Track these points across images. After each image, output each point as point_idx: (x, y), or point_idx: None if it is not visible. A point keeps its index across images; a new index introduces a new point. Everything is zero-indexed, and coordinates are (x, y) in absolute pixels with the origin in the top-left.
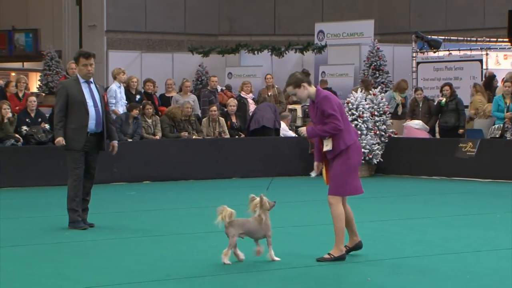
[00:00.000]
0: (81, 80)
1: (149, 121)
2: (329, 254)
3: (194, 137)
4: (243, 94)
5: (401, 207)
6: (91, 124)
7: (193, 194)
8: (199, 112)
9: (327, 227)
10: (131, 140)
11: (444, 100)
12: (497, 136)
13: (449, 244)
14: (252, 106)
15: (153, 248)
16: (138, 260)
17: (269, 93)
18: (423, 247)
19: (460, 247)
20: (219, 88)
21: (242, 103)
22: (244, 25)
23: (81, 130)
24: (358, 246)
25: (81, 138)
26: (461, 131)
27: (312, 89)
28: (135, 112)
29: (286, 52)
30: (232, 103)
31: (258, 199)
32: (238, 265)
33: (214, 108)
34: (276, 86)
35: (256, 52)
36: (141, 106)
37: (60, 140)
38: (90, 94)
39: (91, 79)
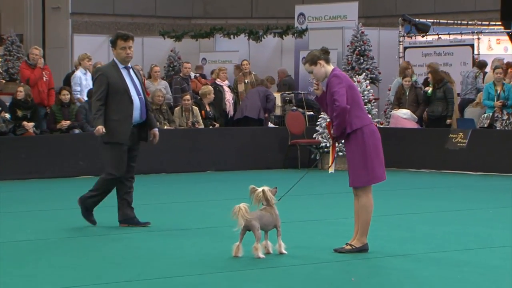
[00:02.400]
0: (120, 66)
1: None
2: (350, 245)
3: (165, 127)
4: (218, 81)
5: (387, 202)
6: (136, 114)
7: (164, 189)
8: (171, 100)
9: (311, 223)
10: None
11: (430, 89)
12: (485, 125)
13: (438, 242)
14: (228, 94)
15: (120, 247)
16: (105, 259)
17: (246, 80)
18: (410, 245)
19: (450, 245)
20: (192, 74)
21: (217, 91)
22: (219, 7)
23: (126, 121)
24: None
25: (126, 130)
26: (448, 121)
27: (329, 68)
28: None
29: (264, 36)
30: (209, 90)
31: (259, 190)
32: (235, 261)
33: (187, 96)
34: (253, 73)
35: (232, 36)
36: None
37: (100, 129)
38: (131, 81)
39: (129, 64)
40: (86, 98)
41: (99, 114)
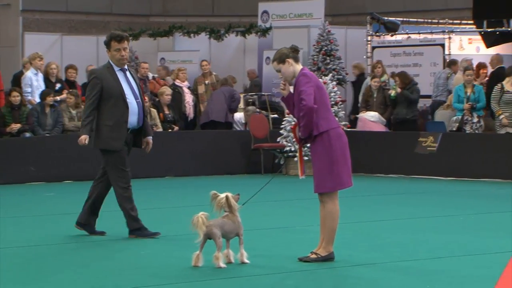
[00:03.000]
0: (116, 68)
1: (73, 112)
2: (315, 253)
3: None
4: (177, 82)
5: (354, 209)
6: (132, 119)
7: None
8: None
9: (275, 230)
10: (49, 134)
11: (393, 93)
12: (454, 129)
13: (406, 250)
14: (188, 96)
15: (71, 257)
16: (57, 270)
17: (206, 82)
18: (377, 253)
19: (419, 253)
20: (150, 75)
21: (176, 92)
22: (178, 4)
23: (120, 127)
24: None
25: (121, 136)
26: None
27: (298, 67)
28: (49, 99)
29: (226, 35)
30: (167, 92)
31: (222, 197)
32: (195, 271)
33: (145, 99)
34: (214, 73)
35: (192, 35)
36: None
37: (83, 139)
38: (127, 84)
39: (126, 66)
40: (38, 100)
41: (87, 121)
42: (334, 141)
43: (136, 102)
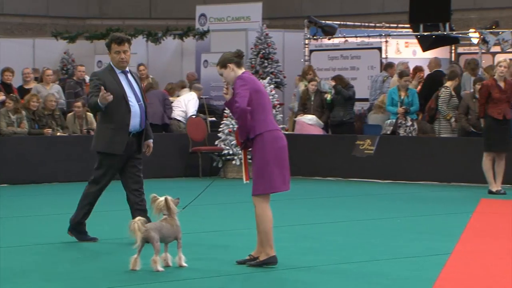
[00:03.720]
0: (117, 71)
1: (13, 117)
2: (252, 256)
3: (58, 134)
4: None
5: (292, 212)
6: (134, 122)
7: (58, 199)
8: (64, 105)
9: (213, 234)
10: None
11: (329, 97)
12: (388, 132)
13: (344, 253)
14: None
15: (4, 261)
16: None
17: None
18: (316, 256)
19: (357, 255)
20: (86, 78)
21: None
22: (115, 7)
23: (122, 130)
24: (267, 261)
25: (122, 140)
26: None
27: (239, 72)
28: None
29: (164, 38)
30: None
31: (161, 199)
32: (135, 274)
33: (78, 104)
34: (151, 76)
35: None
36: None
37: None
38: (129, 87)
39: (127, 69)
40: None
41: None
42: (268, 143)
43: (138, 104)
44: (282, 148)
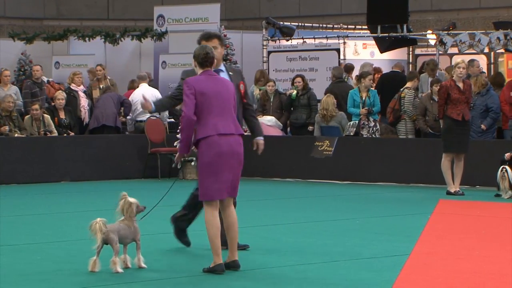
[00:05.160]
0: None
1: None
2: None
3: (16, 135)
4: (73, 86)
5: (251, 213)
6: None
7: (15, 201)
8: (21, 106)
9: (171, 235)
10: None
11: (294, 92)
12: (352, 134)
13: (304, 254)
14: (83, 100)
15: None
16: None
17: (101, 86)
18: (274, 257)
19: (316, 256)
20: (45, 79)
21: (72, 97)
22: (73, 8)
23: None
24: (230, 266)
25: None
26: (310, 128)
27: (199, 71)
28: None
29: (122, 39)
30: (60, 96)
31: (129, 200)
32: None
33: (36, 106)
34: (109, 77)
35: (87, 39)
36: None
37: (146, 104)
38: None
39: (221, 67)
40: None
41: (157, 101)
42: (204, 150)
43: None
44: (220, 154)
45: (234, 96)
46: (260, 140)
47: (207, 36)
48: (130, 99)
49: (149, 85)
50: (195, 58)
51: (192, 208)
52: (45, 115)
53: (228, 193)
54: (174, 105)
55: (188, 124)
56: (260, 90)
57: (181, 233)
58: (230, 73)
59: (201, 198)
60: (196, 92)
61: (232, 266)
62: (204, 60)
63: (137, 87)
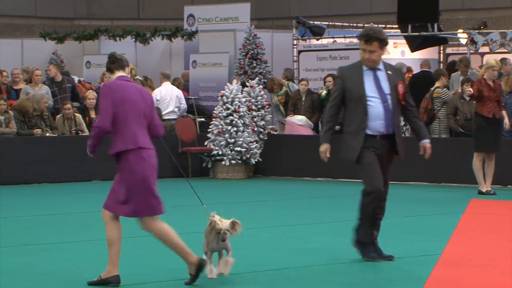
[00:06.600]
0: (364, 68)
1: (1, 117)
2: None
3: (47, 134)
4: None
5: (283, 212)
6: (376, 125)
7: (47, 200)
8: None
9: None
10: None
11: (324, 92)
12: None
13: (336, 253)
14: None
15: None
16: None
17: None
18: (307, 256)
19: (347, 256)
20: (76, 79)
21: None
22: (103, 7)
23: (358, 134)
24: (196, 268)
25: (355, 145)
26: (337, 127)
27: (113, 77)
28: None
29: (152, 38)
30: (91, 95)
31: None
32: None
33: (68, 105)
34: (137, 77)
35: (118, 38)
36: None
37: (322, 150)
38: (374, 85)
39: (380, 65)
40: None
41: (326, 128)
42: (123, 167)
43: (383, 106)
44: (130, 170)
45: (145, 106)
46: (427, 143)
47: (366, 39)
48: (153, 97)
49: (185, 86)
50: (106, 70)
51: (364, 217)
52: (76, 114)
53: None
54: (334, 114)
55: (99, 134)
56: (278, 96)
57: (364, 248)
58: (388, 72)
59: (105, 207)
60: (116, 99)
61: (197, 268)
62: (114, 65)
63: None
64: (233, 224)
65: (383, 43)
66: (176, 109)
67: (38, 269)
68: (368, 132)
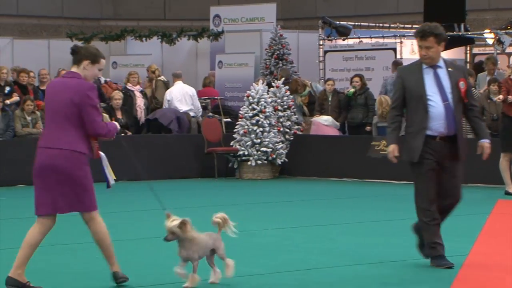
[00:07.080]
0: (423, 66)
1: (28, 118)
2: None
3: None
4: (129, 86)
5: (308, 213)
6: (437, 125)
7: None
8: None
9: None
10: (0, 138)
11: (352, 90)
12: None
13: (362, 254)
14: (139, 100)
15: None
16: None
17: (153, 86)
18: (332, 257)
19: (374, 257)
20: (102, 79)
21: (128, 96)
22: (129, 8)
23: (419, 134)
24: (114, 277)
25: (417, 146)
26: (368, 128)
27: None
28: None
29: (178, 39)
30: (117, 96)
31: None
32: None
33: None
34: (161, 78)
35: (144, 39)
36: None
37: (392, 151)
38: (435, 84)
39: (440, 63)
40: None
41: (391, 128)
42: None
43: (444, 104)
44: (37, 169)
45: (70, 104)
46: (486, 143)
47: (421, 34)
48: (165, 96)
49: (208, 86)
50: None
51: (420, 231)
52: (103, 114)
53: (56, 209)
54: (398, 114)
55: None
56: (301, 97)
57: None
58: (449, 69)
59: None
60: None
61: (115, 278)
62: (75, 57)
63: (207, 84)
64: (182, 224)
65: (439, 38)
66: (192, 107)
67: (52, 269)
68: (428, 132)
